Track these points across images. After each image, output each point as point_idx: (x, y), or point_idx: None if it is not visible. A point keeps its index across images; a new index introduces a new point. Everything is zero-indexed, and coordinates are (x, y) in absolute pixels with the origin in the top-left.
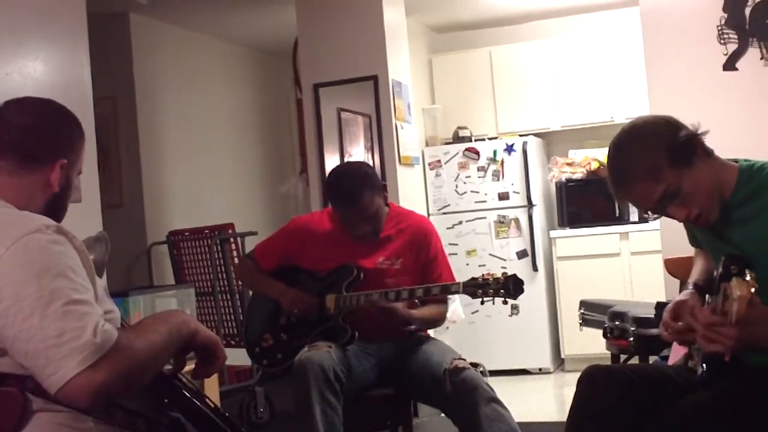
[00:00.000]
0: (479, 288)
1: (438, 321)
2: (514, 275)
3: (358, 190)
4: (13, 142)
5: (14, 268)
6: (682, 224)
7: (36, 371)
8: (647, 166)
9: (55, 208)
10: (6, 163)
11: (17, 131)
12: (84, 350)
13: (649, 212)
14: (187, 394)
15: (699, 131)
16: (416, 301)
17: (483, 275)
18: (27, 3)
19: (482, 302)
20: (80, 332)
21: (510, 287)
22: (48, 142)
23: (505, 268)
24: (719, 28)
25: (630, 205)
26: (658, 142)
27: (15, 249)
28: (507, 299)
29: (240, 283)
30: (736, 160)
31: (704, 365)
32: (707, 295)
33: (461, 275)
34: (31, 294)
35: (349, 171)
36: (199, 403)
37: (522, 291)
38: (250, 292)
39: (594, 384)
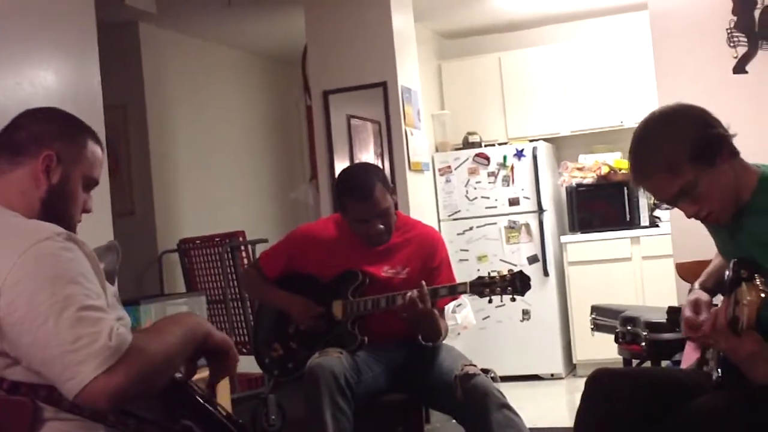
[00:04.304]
0: (486, 287)
1: (444, 334)
2: (521, 271)
3: (372, 184)
4: (2, 140)
5: (27, 277)
6: (693, 228)
7: (53, 377)
8: (670, 158)
9: (53, 209)
10: None
11: (9, 130)
12: (100, 354)
13: (663, 203)
14: (200, 401)
15: (729, 131)
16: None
17: (489, 274)
18: (37, 13)
19: (490, 300)
20: (96, 337)
21: (517, 284)
22: (30, 132)
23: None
24: (729, 31)
25: (641, 203)
26: (685, 134)
27: (26, 257)
28: (514, 296)
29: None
30: (758, 166)
31: (719, 369)
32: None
33: None
34: (44, 301)
35: (360, 167)
36: (212, 410)
37: (529, 287)
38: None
39: (600, 387)
